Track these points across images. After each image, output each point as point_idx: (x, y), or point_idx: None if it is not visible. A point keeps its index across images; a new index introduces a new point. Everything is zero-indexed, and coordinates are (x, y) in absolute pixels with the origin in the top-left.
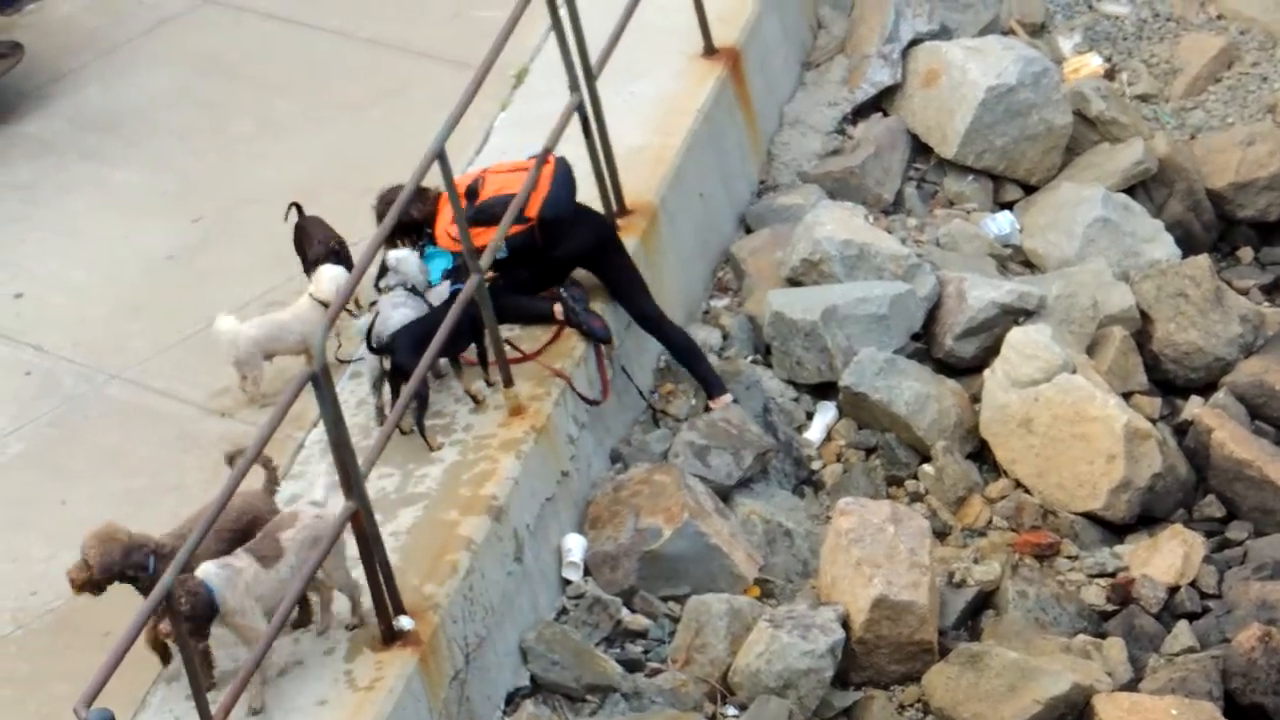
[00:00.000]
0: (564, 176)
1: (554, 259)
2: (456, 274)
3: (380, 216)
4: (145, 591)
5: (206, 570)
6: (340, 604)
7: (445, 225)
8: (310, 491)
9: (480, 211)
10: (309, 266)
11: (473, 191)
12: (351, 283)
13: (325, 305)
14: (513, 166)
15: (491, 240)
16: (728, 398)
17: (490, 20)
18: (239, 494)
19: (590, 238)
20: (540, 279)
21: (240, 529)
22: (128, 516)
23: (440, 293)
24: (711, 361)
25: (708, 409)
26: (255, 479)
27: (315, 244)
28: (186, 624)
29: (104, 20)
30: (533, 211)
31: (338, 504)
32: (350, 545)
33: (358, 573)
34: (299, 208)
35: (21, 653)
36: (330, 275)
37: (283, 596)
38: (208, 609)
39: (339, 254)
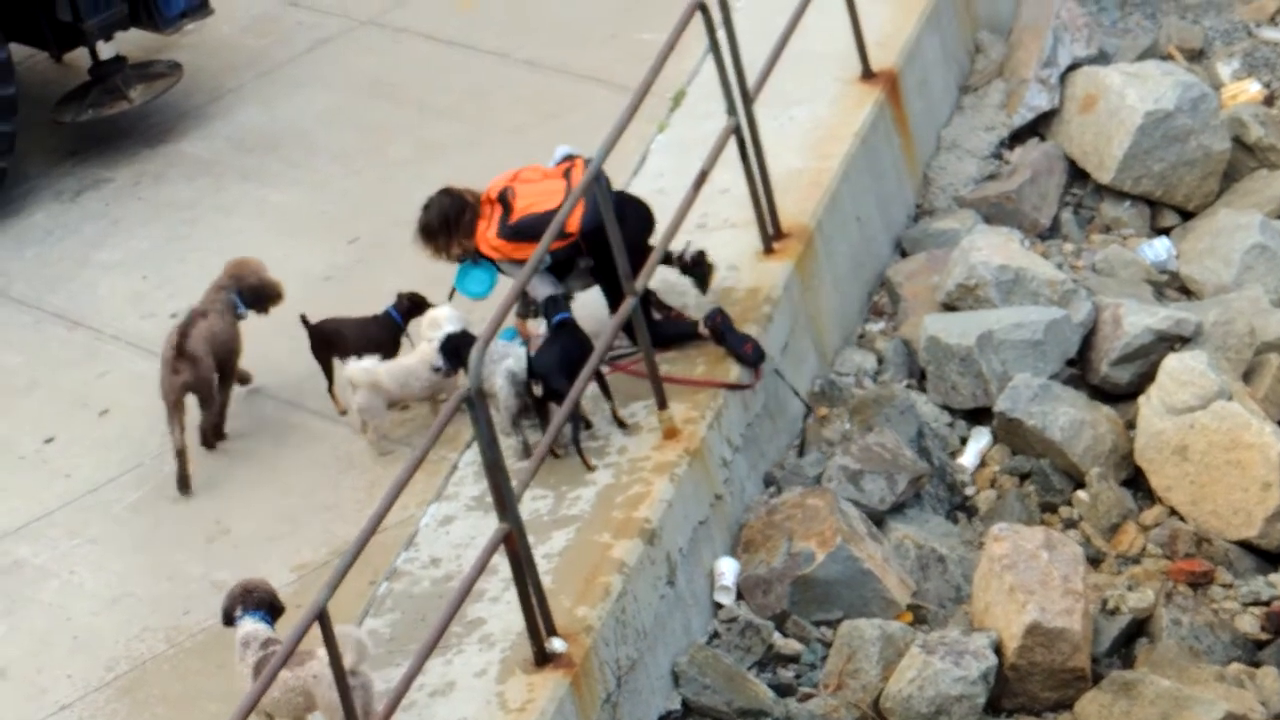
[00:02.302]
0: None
1: (608, 260)
2: (558, 303)
3: (423, 230)
4: None
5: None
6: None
7: (488, 234)
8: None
9: (518, 231)
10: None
11: (504, 200)
12: (501, 310)
13: None
14: (543, 175)
15: (533, 255)
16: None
17: (648, 43)
18: None
19: (636, 227)
20: (607, 275)
21: None
22: (282, 535)
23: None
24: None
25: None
26: None
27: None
28: None
29: (263, 40)
30: (574, 227)
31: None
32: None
33: None
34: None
35: (175, 672)
36: (444, 314)
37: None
38: None
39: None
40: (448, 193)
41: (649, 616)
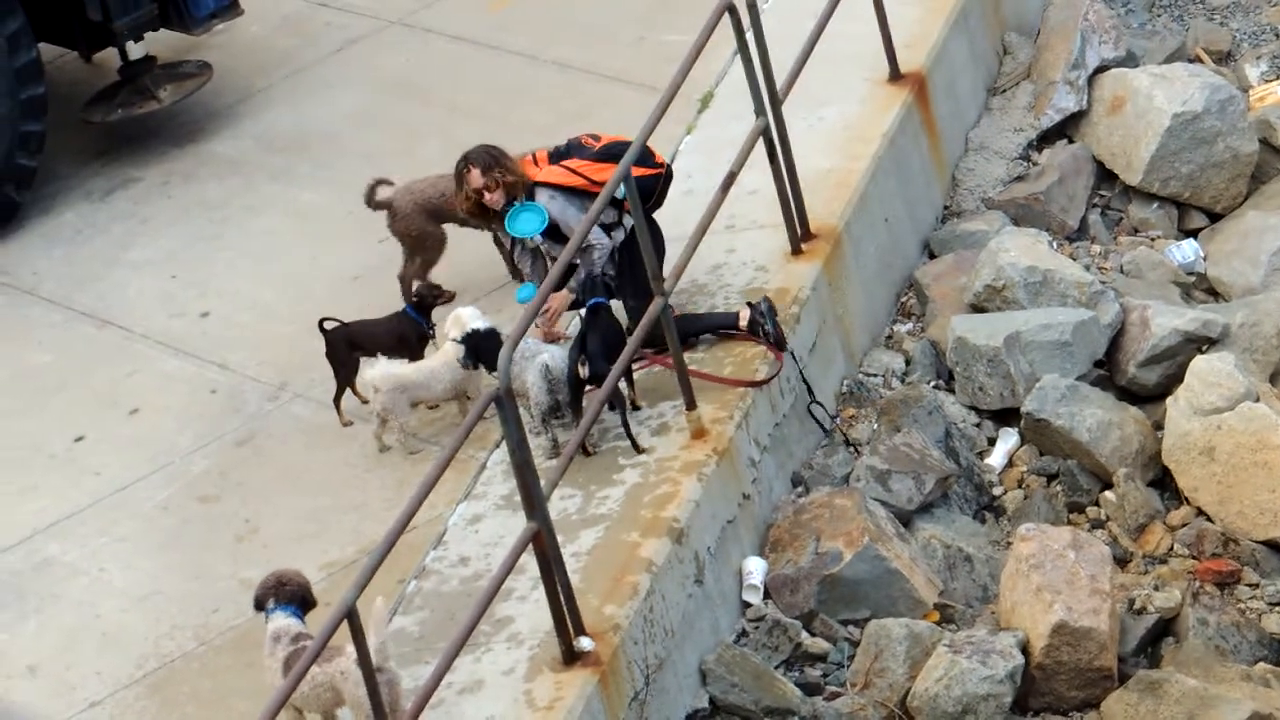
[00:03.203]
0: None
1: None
2: (597, 286)
3: (467, 160)
4: None
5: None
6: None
7: (561, 163)
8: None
9: (604, 155)
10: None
11: (572, 146)
12: (533, 308)
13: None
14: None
15: (614, 173)
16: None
17: (676, 45)
18: None
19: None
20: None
21: None
22: (310, 535)
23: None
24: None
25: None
26: None
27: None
28: None
29: (292, 41)
30: (663, 157)
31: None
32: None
33: None
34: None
35: (204, 670)
36: (468, 314)
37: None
38: None
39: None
40: (487, 146)
41: (677, 615)
